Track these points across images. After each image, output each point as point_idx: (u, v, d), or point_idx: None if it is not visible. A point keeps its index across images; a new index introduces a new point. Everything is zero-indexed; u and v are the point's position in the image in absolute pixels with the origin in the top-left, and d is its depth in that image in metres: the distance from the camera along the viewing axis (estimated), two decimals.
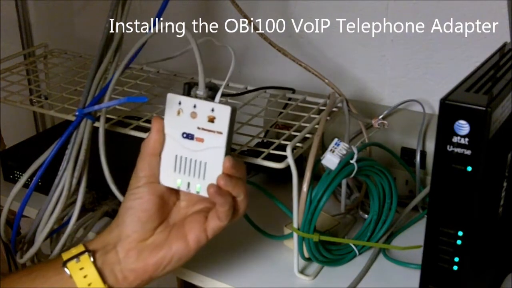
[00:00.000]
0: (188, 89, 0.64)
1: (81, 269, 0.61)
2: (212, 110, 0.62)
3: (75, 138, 0.73)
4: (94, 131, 0.76)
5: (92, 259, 0.62)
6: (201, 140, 0.63)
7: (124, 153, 0.75)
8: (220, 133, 0.62)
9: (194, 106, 0.63)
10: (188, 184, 0.64)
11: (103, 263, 0.62)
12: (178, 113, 0.63)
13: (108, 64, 0.76)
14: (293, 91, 0.89)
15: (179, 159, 0.64)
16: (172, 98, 0.64)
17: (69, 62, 1.01)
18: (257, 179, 0.93)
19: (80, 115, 0.73)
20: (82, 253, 0.62)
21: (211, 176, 0.63)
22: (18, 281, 0.62)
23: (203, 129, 0.62)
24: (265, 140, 0.81)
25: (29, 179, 0.75)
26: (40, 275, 0.62)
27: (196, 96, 0.64)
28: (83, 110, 0.73)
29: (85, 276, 0.61)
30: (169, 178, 0.64)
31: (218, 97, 0.63)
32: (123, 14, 0.75)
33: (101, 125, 0.74)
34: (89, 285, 0.61)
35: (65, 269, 0.61)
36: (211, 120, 0.62)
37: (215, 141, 0.62)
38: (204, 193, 0.63)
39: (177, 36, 0.70)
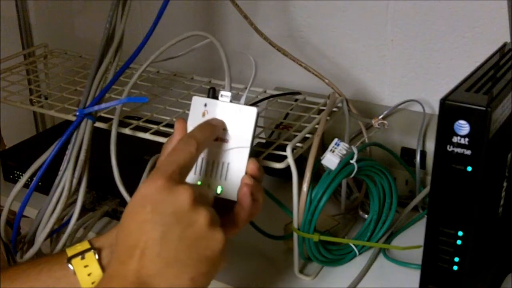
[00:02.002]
0: (213, 93, 0.64)
1: (85, 266, 0.60)
2: (238, 111, 0.62)
3: (75, 138, 0.73)
4: (95, 131, 0.76)
5: (97, 257, 0.61)
6: (225, 141, 0.63)
7: (124, 153, 0.75)
8: (245, 134, 0.62)
9: (220, 108, 0.63)
10: (209, 185, 0.63)
11: (109, 262, 0.60)
12: (203, 114, 0.63)
13: (109, 64, 0.76)
14: (299, 94, 0.89)
15: (201, 160, 0.63)
16: (198, 101, 0.64)
17: (69, 62, 1.01)
18: None
19: (80, 115, 0.73)
20: (87, 250, 0.61)
21: (233, 177, 0.62)
22: (23, 274, 0.61)
23: (228, 130, 0.62)
24: (264, 141, 0.81)
25: (29, 179, 0.75)
26: (45, 268, 0.61)
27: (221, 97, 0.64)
28: (84, 110, 0.73)
29: (89, 274, 0.60)
30: (189, 179, 0.63)
31: (243, 99, 0.64)
32: (123, 14, 0.75)
33: (113, 127, 0.74)
34: (92, 283, 0.60)
35: (69, 265, 0.60)
36: (237, 121, 0.62)
37: (240, 142, 0.62)
38: (226, 195, 0.62)
39: (176, 36, 0.70)
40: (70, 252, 0.61)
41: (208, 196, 0.57)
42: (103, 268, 0.60)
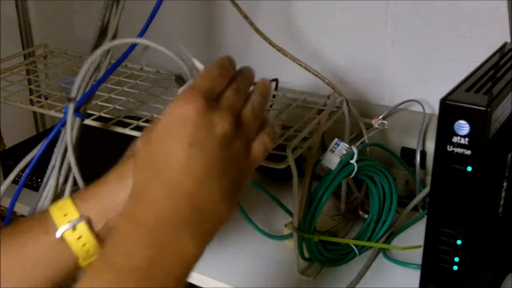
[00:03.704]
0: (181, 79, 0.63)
1: (79, 238, 0.55)
2: None
3: (62, 136, 0.72)
4: (94, 130, 0.76)
5: (89, 228, 0.55)
6: None
7: (124, 153, 0.75)
8: None
9: None
10: None
11: (106, 234, 0.55)
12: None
13: (100, 63, 0.75)
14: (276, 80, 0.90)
15: None
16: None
17: (69, 62, 1.01)
18: (257, 179, 0.93)
19: (66, 112, 0.73)
20: (77, 220, 0.55)
21: None
22: (6, 248, 0.56)
23: None
24: None
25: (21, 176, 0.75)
26: (30, 239, 0.56)
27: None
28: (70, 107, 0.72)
29: (84, 245, 0.55)
30: None
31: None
32: (117, 11, 0.75)
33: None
34: (88, 252, 0.55)
35: (61, 238, 0.55)
36: None
37: None
38: None
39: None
40: (57, 220, 0.56)
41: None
42: (97, 236, 0.55)
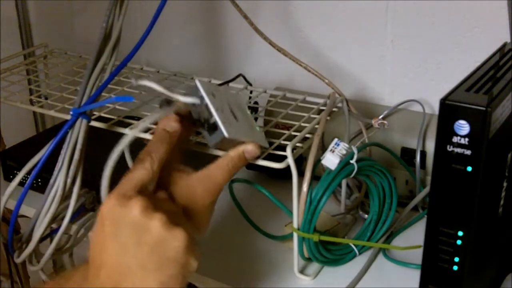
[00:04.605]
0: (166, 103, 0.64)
1: None
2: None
3: (70, 138, 0.73)
4: (96, 131, 0.76)
5: None
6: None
7: (124, 153, 0.75)
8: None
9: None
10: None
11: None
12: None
13: (105, 64, 0.76)
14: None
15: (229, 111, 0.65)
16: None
17: (69, 62, 1.01)
18: (257, 179, 0.93)
19: (75, 114, 0.73)
20: None
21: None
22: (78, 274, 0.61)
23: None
24: None
25: (26, 178, 0.75)
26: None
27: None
28: (78, 109, 0.73)
29: None
30: (235, 125, 0.65)
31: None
32: (120, 13, 0.75)
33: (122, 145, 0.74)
34: None
35: None
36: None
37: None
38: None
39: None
40: None
41: (166, 203, 0.59)
42: None
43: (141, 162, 0.59)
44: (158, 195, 0.60)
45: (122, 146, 0.60)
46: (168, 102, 0.63)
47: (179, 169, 0.63)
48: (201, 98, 0.62)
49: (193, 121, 0.63)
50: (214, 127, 0.62)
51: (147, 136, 0.70)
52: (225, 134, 0.62)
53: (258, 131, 0.67)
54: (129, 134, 0.61)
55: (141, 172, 0.58)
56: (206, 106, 0.62)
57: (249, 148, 0.65)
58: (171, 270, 0.54)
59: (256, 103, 0.89)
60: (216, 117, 0.62)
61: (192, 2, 1.12)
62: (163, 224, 0.54)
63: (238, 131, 0.64)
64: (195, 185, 0.62)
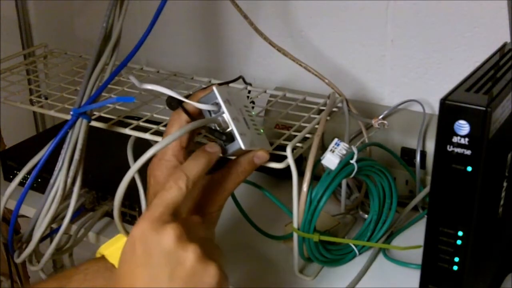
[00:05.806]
0: (177, 102, 0.63)
1: None
2: None
3: (70, 138, 0.73)
4: (96, 131, 0.76)
5: None
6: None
7: (124, 153, 0.75)
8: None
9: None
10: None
11: None
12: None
13: (105, 64, 0.76)
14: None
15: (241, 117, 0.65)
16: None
17: (69, 62, 1.01)
18: (257, 179, 0.93)
19: (75, 114, 0.73)
20: None
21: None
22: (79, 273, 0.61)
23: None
24: None
25: (26, 178, 0.75)
26: (91, 271, 0.61)
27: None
28: (78, 109, 0.73)
29: None
30: (245, 130, 0.64)
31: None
32: (120, 13, 0.75)
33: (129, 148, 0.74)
34: None
35: None
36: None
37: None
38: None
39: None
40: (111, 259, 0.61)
41: (200, 228, 0.57)
42: None
43: (175, 182, 0.56)
44: (192, 219, 0.58)
45: (139, 165, 0.57)
46: (177, 101, 0.63)
47: None
48: (218, 105, 0.60)
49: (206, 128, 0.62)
50: (230, 137, 0.61)
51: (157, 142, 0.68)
52: (242, 146, 0.60)
53: (262, 133, 0.66)
54: (150, 151, 0.57)
55: (175, 194, 0.55)
56: (222, 114, 0.60)
57: (260, 154, 0.64)
58: None
59: (252, 102, 0.90)
60: (234, 128, 0.60)
61: (192, 2, 1.12)
62: (197, 257, 0.52)
63: (252, 141, 0.63)
64: (205, 191, 0.62)
